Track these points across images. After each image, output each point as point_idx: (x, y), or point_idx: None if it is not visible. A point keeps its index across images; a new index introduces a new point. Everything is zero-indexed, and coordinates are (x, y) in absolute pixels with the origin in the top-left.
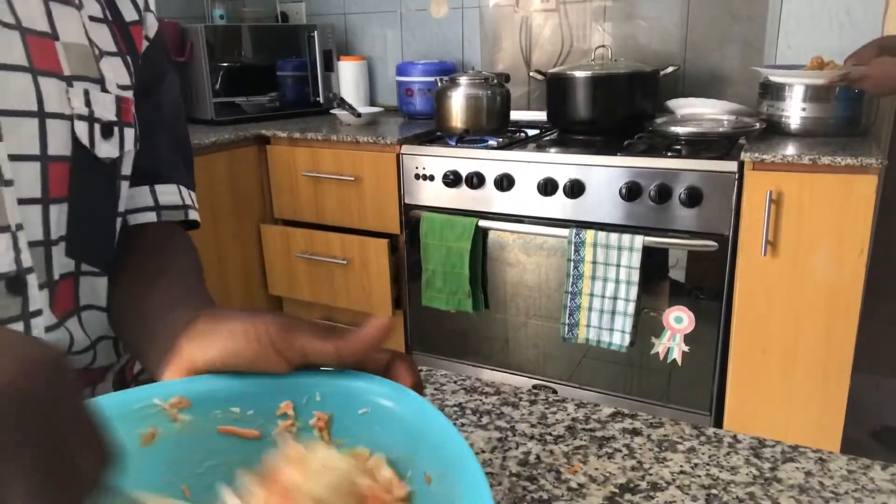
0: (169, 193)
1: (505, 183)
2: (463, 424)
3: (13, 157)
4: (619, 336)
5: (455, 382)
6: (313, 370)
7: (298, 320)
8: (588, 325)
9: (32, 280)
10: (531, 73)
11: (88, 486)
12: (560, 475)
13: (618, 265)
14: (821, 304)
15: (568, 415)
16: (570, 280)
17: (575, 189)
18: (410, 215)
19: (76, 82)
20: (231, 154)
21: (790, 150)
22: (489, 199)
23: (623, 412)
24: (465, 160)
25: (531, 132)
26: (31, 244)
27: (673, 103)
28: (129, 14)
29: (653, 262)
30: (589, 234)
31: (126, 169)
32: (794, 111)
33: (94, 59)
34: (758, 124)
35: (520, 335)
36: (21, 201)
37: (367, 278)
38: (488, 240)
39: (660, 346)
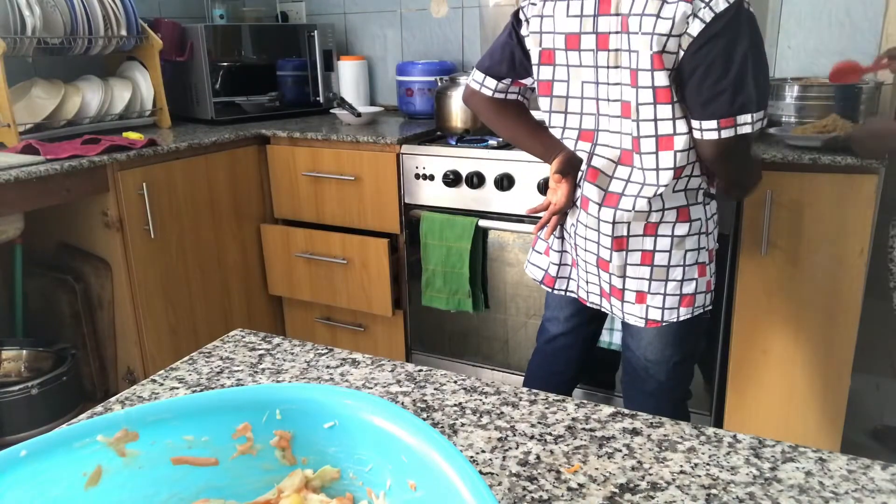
0: None
1: (505, 183)
2: (463, 424)
3: None
4: (618, 336)
5: (455, 382)
6: (272, 385)
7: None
8: None
9: None
10: None
11: None
12: (560, 475)
13: None
14: (821, 304)
15: (568, 415)
16: None
17: None
18: (410, 215)
19: None
20: (231, 154)
21: (790, 149)
22: (489, 199)
23: (623, 412)
24: (465, 160)
25: None
26: None
27: None
28: None
29: None
30: None
31: None
32: (795, 111)
33: None
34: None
35: (520, 335)
36: None
37: (367, 278)
38: (488, 240)
39: None
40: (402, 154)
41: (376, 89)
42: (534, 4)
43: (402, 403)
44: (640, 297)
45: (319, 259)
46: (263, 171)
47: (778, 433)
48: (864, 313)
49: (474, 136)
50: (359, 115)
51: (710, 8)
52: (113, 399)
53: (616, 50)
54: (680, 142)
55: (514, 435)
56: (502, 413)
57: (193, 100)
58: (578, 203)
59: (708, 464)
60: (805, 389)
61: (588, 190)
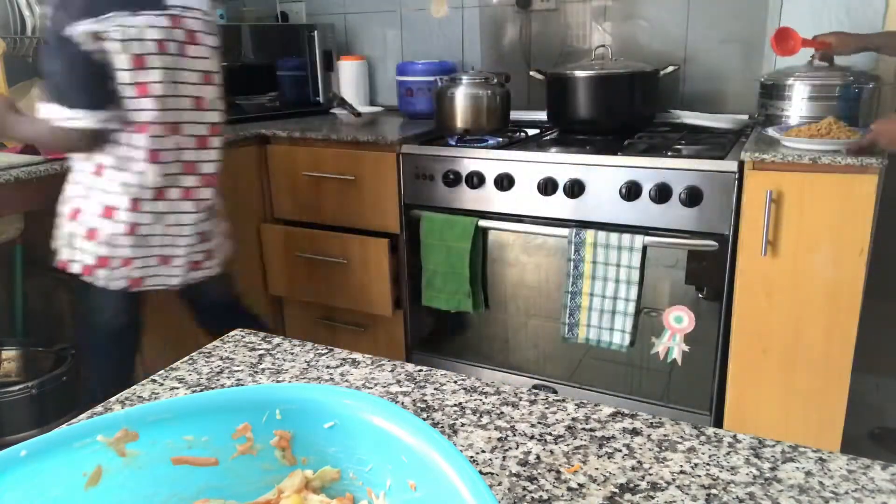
0: None
1: (505, 183)
2: (463, 424)
3: None
4: (619, 336)
5: (455, 382)
6: (272, 385)
7: None
8: (588, 325)
9: None
10: (531, 73)
11: None
12: (560, 475)
13: (618, 265)
14: (821, 304)
15: (568, 415)
16: (571, 280)
17: (575, 189)
18: (410, 215)
19: None
20: (231, 154)
21: (790, 149)
22: (489, 198)
23: (623, 412)
24: (465, 160)
25: (531, 132)
26: None
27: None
28: None
29: (653, 261)
30: (589, 234)
31: None
32: (795, 110)
33: None
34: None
35: (520, 335)
36: None
37: (367, 278)
38: (488, 240)
39: (660, 346)
40: (402, 154)
41: (376, 89)
42: (98, 19)
43: (402, 403)
44: (222, 245)
45: (319, 259)
46: (263, 171)
47: (778, 433)
48: (863, 313)
49: (474, 136)
50: (359, 115)
51: None
52: (113, 399)
53: (191, 57)
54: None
55: (514, 435)
56: (502, 413)
57: None
58: (174, 195)
59: (708, 464)
60: (805, 389)
61: (188, 180)
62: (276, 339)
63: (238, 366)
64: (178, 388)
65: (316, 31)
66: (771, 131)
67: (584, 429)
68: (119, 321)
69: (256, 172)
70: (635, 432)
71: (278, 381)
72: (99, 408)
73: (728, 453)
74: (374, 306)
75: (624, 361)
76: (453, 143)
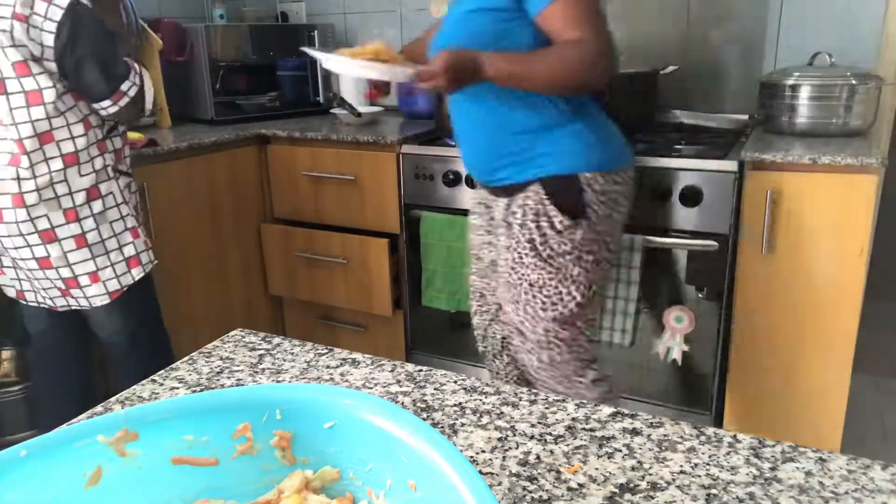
0: None
1: None
2: (463, 424)
3: None
4: (619, 336)
5: (455, 382)
6: (272, 385)
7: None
8: None
9: None
10: None
11: None
12: (560, 475)
13: (618, 265)
14: (821, 304)
15: (568, 415)
16: None
17: None
18: (410, 215)
19: None
20: (231, 154)
21: (790, 149)
22: None
23: (623, 412)
24: None
25: None
26: None
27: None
28: None
29: (653, 261)
30: None
31: None
32: (795, 110)
33: None
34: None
35: None
36: None
37: (366, 278)
38: None
39: (660, 346)
40: (402, 154)
41: None
42: None
43: (402, 403)
44: (94, 277)
45: (319, 259)
46: (263, 171)
47: (778, 433)
48: (864, 313)
49: None
50: (359, 115)
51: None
52: (113, 399)
53: None
54: (61, 133)
55: (514, 435)
56: (502, 413)
57: (193, 100)
58: None
59: (708, 464)
60: (805, 389)
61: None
62: (276, 339)
63: (238, 366)
64: (178, 388)
65: (316, 31)
66: (315, 51)
67: (584, 429)
68: (31, 329)
69: (256, 172)
70: (635, 432)
71: (278, 381)
72: (99, 408)
73: (728, 453)
74: (374, 306)
75: (624, 361)
76: (453, 143)
